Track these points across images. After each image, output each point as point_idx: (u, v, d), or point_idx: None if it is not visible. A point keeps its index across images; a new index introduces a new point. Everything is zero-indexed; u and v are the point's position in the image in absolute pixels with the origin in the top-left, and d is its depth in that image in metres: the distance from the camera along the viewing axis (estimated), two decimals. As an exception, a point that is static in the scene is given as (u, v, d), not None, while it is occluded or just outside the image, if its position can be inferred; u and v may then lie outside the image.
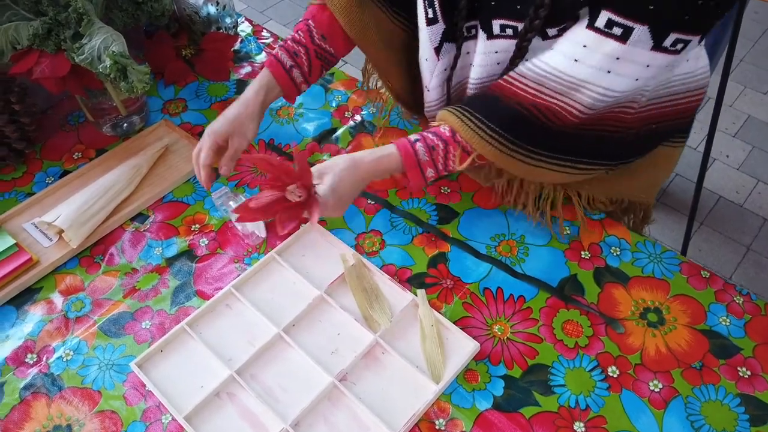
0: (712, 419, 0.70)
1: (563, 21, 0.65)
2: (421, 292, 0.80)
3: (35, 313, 0.81)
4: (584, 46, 0.63)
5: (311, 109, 1.07)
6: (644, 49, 0.61)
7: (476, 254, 0.86)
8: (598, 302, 0.81)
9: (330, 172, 0.75)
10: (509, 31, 0.71)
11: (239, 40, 1.20)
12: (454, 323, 0.78)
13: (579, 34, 0.64)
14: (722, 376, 0.73)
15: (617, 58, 0.62)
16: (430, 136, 0.77)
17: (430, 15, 0.75)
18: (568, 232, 0.88)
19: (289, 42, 0.86)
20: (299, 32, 0.86)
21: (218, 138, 0.83)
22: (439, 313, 0.79)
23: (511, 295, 0.81)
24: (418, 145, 0.76)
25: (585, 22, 0.63)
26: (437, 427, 0.70)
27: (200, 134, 1.02)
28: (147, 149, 0.97)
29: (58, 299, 0.82)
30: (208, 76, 1.12)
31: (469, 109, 0.74)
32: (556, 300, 0.81)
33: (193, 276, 0.85)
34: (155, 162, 0.97)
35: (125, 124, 1.02)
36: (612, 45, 0.62)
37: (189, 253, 0.87)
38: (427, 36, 0.77)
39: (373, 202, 0.93)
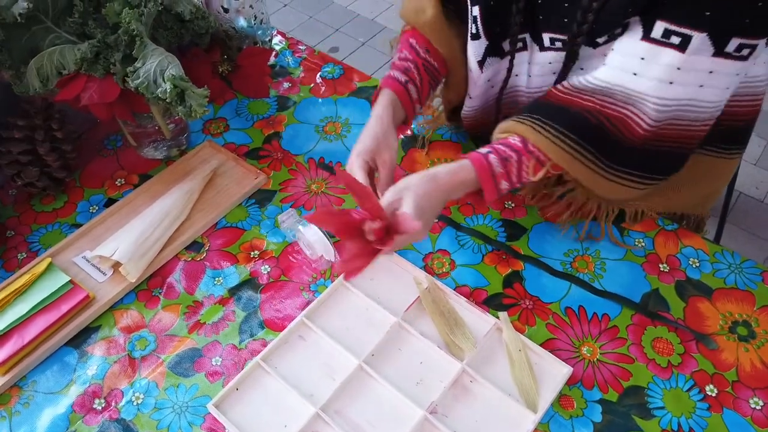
0: (820, 436, 0.68)
1: (611, 29, 0.64)
2: (503, 315, 0.77)
3: (97, 354, 0.77)
4: (642, 58, 0.62)
5: (358, 124, 1.03)
6: (705, 56, 0.59)
7: (552, 271, 0.83)
8: (685, 317, 0.78)
9: (410, 191, 0.69)
10: (558, 44, 0.72)
11: (274, 54, 1.16)
12: (540, 346, 0.75)
13: (633, 45, 0.62)
14: (823, 389, 0.71)
15: (678, 68, 0.60)
16: (501, 147, 0.74)
17: (473, 31, 0.76)
18: (643, 244, 0.86)
19: (397, 61, 0.84)
20: (404, 51, 0.84)
21: (367, 157, 0.75)
22: (524, 335, 0.76)
23: (594, 313, 0.79)
24: (491, 156, 0.73)
25: (638, 34, 0.61)
26: (539, 459, 0.67)
27: (247, 154, 0.98)
28: (195, 173, 0.93)
29: (120, 337, 0.78)
30: (248, 93, 1.08)
31: (539, 117, 0.72)
32: (642, 317, 0.78)
33: (259, 306, 0.81)
34: (203, 186, 0.93)
35: (167, 147, 0.97)
36: (671, 54, 0.60)
37: (252, 282, 0.83)
38: (472, 50, 0.79)
39: (437, 220, 0.89)
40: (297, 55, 1.16)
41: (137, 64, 0.77)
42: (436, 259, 0.85)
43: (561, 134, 0.70)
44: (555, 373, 0.73)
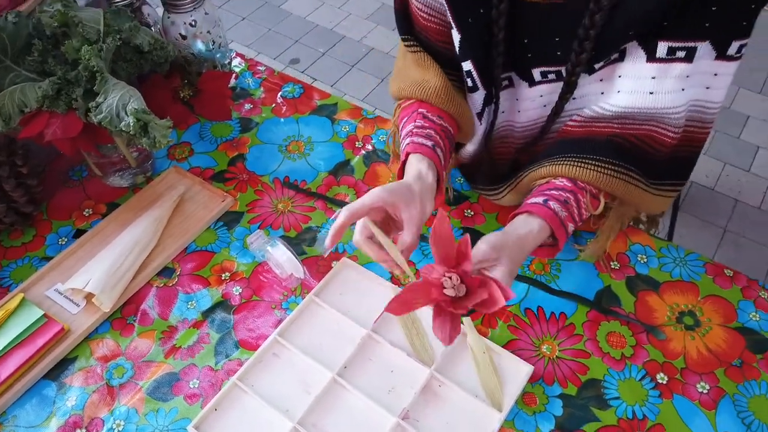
0: (760, 414, 0.74)
1: (609, 55, 0.66)
2: (467, 320, 0.81)
3: (76, 384, 0.78)
4: (653, 77, 0.65)
5: (320, 141, 1.07)
6: (709, 59, 0.63)
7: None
8: (636, 311, 0.83)
9: (506, 256, 0.64)
10: (551, 76, 0.73)
11: (234, 76, 1.18)
12: (503, 347, 0.80)
13: (641, 69, 0.65)
14: (761, 370, 0.77)
15: (687, 76, 0.64)
16: (555, 192, 0.71)
17: (470, 84, 0.75)
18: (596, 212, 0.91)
19: (415, 130, 0.75)
20: (418, 120, 0.76)
21: (390, 200, 0.65)
22: (487, 338, 0.80)
23: (552, 313, 0.83)
24: (552, 204, 0.70)
25: (642, 56, 0.64)
26: (506, 455, 0.72)
27: (212, 178, 1.01)
28: (163, 199, 0.95)
29: (97, 367, 0.80)
30: (210, 117, 1.10)
31: (574, 154, 0.71)
32: (596, 313, 0.83)
33: (232, 327, 0.83)
34: (171, 212, 0.95)
35: (133, 175, 0.99)
36: (680, 67, 0.63)
37: (224, 304, 0.86)
38: (470, 103, 0.79)
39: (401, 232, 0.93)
40: (257, 75, 1.19)
41: (99, 99, 0.79)
42: (402, 270, 0.89)
43: (603, 163, 0.70)
44: (517, 372, 0.77)
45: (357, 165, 1.03)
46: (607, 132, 0.71)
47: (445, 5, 0.70)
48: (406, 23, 0.78)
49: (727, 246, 1.85)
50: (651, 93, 0.66)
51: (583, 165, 0.71)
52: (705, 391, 0.76)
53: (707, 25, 0.60)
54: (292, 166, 1.03)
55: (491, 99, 0.78)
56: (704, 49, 0.62)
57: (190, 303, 0.86)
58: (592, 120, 0.72)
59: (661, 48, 0.63)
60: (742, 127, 2.18)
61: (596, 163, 0.71)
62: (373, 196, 0.65)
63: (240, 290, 0.87)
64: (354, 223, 0.67)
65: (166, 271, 0.90)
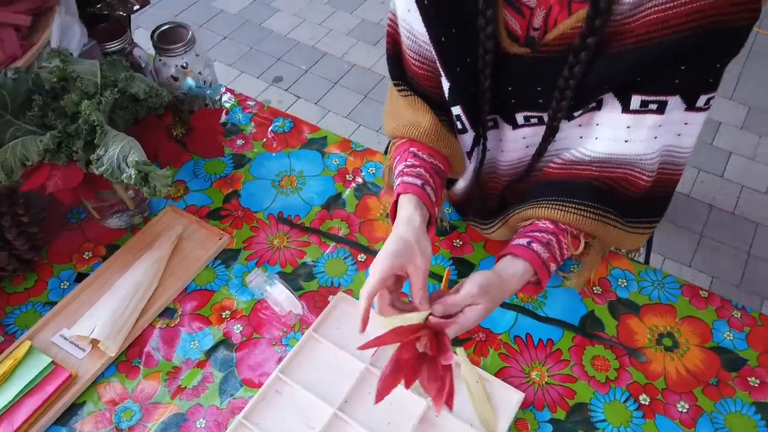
0: (736, 429, 0.79)
1: (587, 104, 0.71)
2: (460, 350, 0.85)
3: (86, 429, 0.81)
4: (627, 127, 0.70)
5: (312, 176, 1.10)
6: (680, 111, 0.68)
7: (501, 304, 0.92)
8: (618, 334, 0.88)
9: (489, 298, 0.69)
10: (534, 120, 0.77)
11: (225, 112, 1.21)
12: (494, 375, 0.84)
13: (617, 119, 0.70)
14: (736, 388, 0.83)
15: (659, 126, 0.69)
16: (537, 234, 0.76)
17: (459, 127, 0.80)
18: (576, 268, 0.96)
19: (405, 169, 0.78)
20: (409, 159, 0.79)
21: (396, 264, 0.68)
22: (479, 367, 0.85)
23: (540, 339, 0.88)
24: (535, 246, 0.74)
25: (617, 108, 0.69)
26: (502, 480, 0.76)
27: (208, 216, 1.04)
28: (161, 240, 0.98)
29: (105, 411, 0.82)
30: (203, 154, 1.13)
31: (555, 197, 0.75)
32: (581, 338, 0.88)
33: (235, 365, 0.87)
34: (170, 253, 0.98)
35: (130, 216, 1.02)
36: (652, 118, 0.68)
37: (226, 342, 0.89)
38: (461, 143, 0.83)
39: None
40: (247, 111, 1.22)
41: (100, 152, 0.82)
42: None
43: (584, 207, 0.74)
44: (509, 399, 0.82)
45: (348, 198, 1.06)
46: (586, 174, 0.76)
47: (435, 55, 0.74)
48: (399, 69, 0.83)
49: (703, 250, 1.92)
50: (626, 141, 0.71)
51: (564, 208, 0.76)
52: (685, 410, 0.81)
53: (677, 81, 0.65)
54: (286, 201, 1.06)
55: (479, 140, 0.83)
56: (675, 102, 0.67)
57: (192, 343, 0.89)
58: (572, 163, 0.77)
59: (635, 101, 0.67)
60: (714, 134, 2.25)
61: (577, 207, 0.76)
62: (381, 269, 0.68)
63: (241, 328, 0.90)
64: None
65: (167, 312, 0.92)
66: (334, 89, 2.49)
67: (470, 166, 0.87)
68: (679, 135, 0.71)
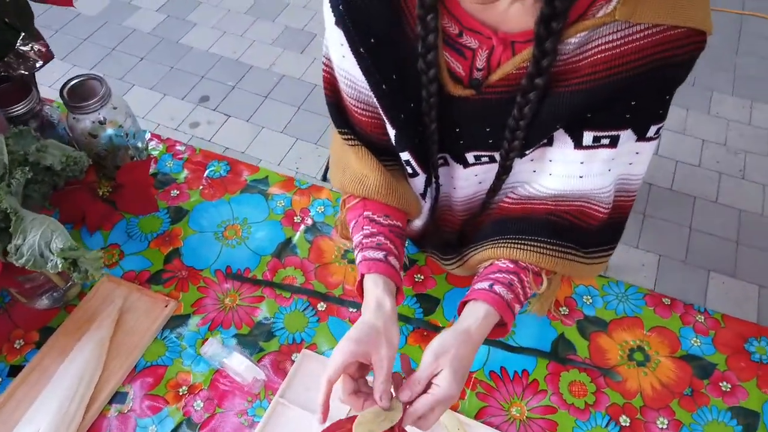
0: (716, 439, 0.80)
1: (539, 142, 0.68)
2: (437, 397, 0.83)
3: None
4: (581, 162, 0.68)
5: (257, 222, 1.04)
6: (631, 142, 0.66)
7: (470, 339, 0.89)
8: (590, 355, 0.87)
9: (449, 359, 0.65)
10: (485, 159, 0.74)
11: (154, 161, 1.13)
12: (475, 418, 0.81)
13: (570, 155, 0.68)
14: (710, 395, 0.83)
15: (612, 159, 0.67)
16: (499, 275, 0.74)
17: (410, 171, 0.77)
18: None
19: (364, 241, 0.76)
20: (365, 227, 0.77)
21: (360, 352, 0.65)
22: (458, 412, 0.82)
23: (515, 371, 0.86)
24: (497, 288, 0.72)
25: (569, 144, 0.67)
26: None
27: (150, 281, 0.96)
28: (101, 317, 0.90)
29: None
30: (136, 211, 1.05)
31: (513, 236, 0.74)
32: (555, 364, 0.87)
33: (202, 447, 0.81)
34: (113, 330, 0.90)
35: (62, 293, 0.93)
36: (605, 152, 0.66)
37: (188, 422, 0.82)
38: (413, 185, 0.80)
39: (355, 310, 0.93)
40: (177, 157, 1.14)
41: (17, 242, 0.74)
42: (363, 350, 0.89)
43: (542, 243, 0.73)
44: (493, 442, 0.80)
45: (299, 242, 1.01)
46: (542, 209, 0.74)
47: (377, 102, 0.70)
48: (341, 117, 0.78)
49: (648, 230, 1.96)
50: (581, 177, 0.69)
51: (524, 247, 0.73)
52: (664, 426, 0.81)
53: (627, 116, 0.64)
54: (232, 254, 1.00)
55: (431, 180, 0.80)
56: (627, 135, 0.65)
57: (151, 428, 0.82)
58: (528, 199, 0.75)
59: (587, 137, 0.65)
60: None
61: (536, 245, 0.74)
62: (343, 354, 0.64)
63: (201, 404, 0.84)
64: None
65: (118, 397, 0.85)
66: (265, 104, 2.41)
67: (425, 206, 0.83)
68: (630, 164, 0.70)
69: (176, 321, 0.92)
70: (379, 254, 0.74)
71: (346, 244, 1.00)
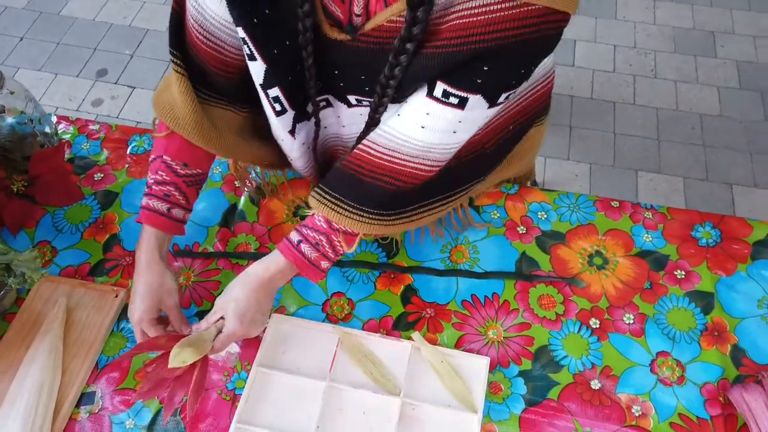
0: (678, 324, 0.84)
1: (410, 92, 0.67)
2: (416, 335, 0.83)
3: None
4: (427, 113, 0.66)
5: (196, 193, 0.98)
6: (481, 109, 0.65)
7: (437, 272, 0.89)
8: (553, 268, 0.90)
9: (230, 303, 0.76)
10: (366, 103, 0.74)
11: (67, 146, 1.03)
12: (455, 348, 0.83)
13: (420, 101, 0.66)
14: (667, 285, 0.88)
15: (459, 121, 0.66)
16: (310, 233, 0.77)
17: (278, 108, 0.73)
18: (498, 214, 0.95)
19: (153, 187, 0.80)
20: (159, 172, 0.80)
21: (152, 314, 0.77)
22: (439, 345, 0.83)
23: (485, 296, 0.87)
24: (303, 246, 0.77)
25: (424, 90, 0.65)
26: (494, 449, 0.76)
27: (92, 273, 0.90)
28: (47, 321, 0.83)
29: None
30: (58, 203, 0.96)
31: (338, 196, 0.74)
32: (522, 282, 0.88)
33: (185, 430, 0.77)
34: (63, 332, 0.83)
35: (-3, 302, 0.85)
36: (452, 112, 0.65)
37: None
38: (278, 124, 0.76)
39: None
40: (93, 137, 1.04)
41: (-65, 256, 0.65)
42: (334, 304, 0.87)
43: (360, 210, 0.74)
44: (477, 367, 0.81)
45: (246, 207, 0.96)
46: (377, 164, 0.72)
47: (241, 38, 0.66)
48: (177, 37, 0.73)
49: (575, 141, 2.02)
50: (423, 127, 0.68)
51: (338, 210, 0.74)
52: (631, 321, 0.85)
53: (479, 81, 0.62)
54: (177, 231, 0.94)
55: (303, 117, 0.77)
56: (476, 101, 0.64)
57: (128, 422, 0.78)
58: (371, 145, 0.72)
59: (438, 88, 0.64)
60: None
61: (351, 209, 0.74)
62: (139, 315, 0.77)
63: (177, 388, 0.80)
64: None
65: (85, 398, 0.80)
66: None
67: (296, 143, 0.80)
68: (478, 126, 0.70)
69: (131, 310, 0.87)
70: (163, 206, 0.79)
71: (295, 201, 0.97)
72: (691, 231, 0.92)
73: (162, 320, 0.79)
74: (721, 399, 0.78)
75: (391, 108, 0.71)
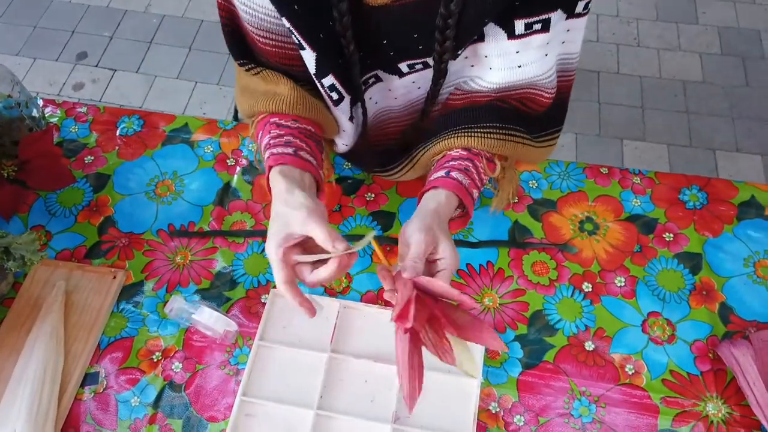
0: (668, 285, 0.87)
1: (468, 40, 0.67)
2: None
3: None
4: (517, 52, 0.67)
5: (188, 173, 0.98)
6: (562, 22, 0.66)
7: (432, 244, 0.90)
8: (545, 235, 0.91)
9: (437, 231, 0.65)
10: (419, 66, 0.72)
11: (56, 129, 1.02)
12: (452, 316, 0.84)
13: (505, 46, 0.66)
14: (656, 248, 0.90)
15: (547, 43, 0.67)
16: (454, 163, 0.73)
17: (335, 97, 0.72)
18: (489, 184, 0.96)
19: (271, 141, 0.71)
20: (272, 131, 0.72)
21: (289, 241, 0.62)
22: (436, 313, 0.84)
23: (480, 265, 0.89)
24: (454, 174, 0.72)
25: (502, 35, 0.65)
26: (493, 412, 0.78)
27: (88, 256, 0.90)
28: (46, 304, 0.83)
29: None
30: (49, 187, 0.96)
31: (463, 126, 0.73)
32: (516, 250, 0.90)
33: (191, 406, 0.79)
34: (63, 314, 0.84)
35: (-6, 288, 0.85)
36: (539, 38, 0.66)
37: (171, 385, 0.80)
38: (339, 113, 0.75)
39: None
40: (81, 120, 1.03)
41: (-67, 242, 0.65)
42: (331, 278, 0.88)
43: (491, 128, 0.73)
44: (474, 334, 0.83)
45: (239, 185, 0.97)
46: (487, 99, 0.74)
47: (287, 28, 0.65)
48: (241, 46, 0.73)
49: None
50: (519, 66, 0.69)
51: (474, 134, 0.73)
52: (622, 284, 0.87)
53: None
54: (170, 211, 0.94)
55: (356, 100, 0.76)
56: (557, 16, 0.65)
57: (133, 400, 0.79)
58: (471, 93, 0.74)
59: (519, 26, 0.64)
60: None
61: (487, 131, 0.74)
62: (277, 260, 0.61)
63: (180, 365, 0.82)
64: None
65: (89, 378, 0.81)
66: (152, 50, 2.22)
67: (350, 127, 0.80)
68: (563, 43, 0.70)
69: (130, 290, 0.87)
70: (288, 149, 0.69)
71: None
72: (679, 194, 0.94)
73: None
74: (710, 355, 0.81)
75: (452, 65, 0.70)
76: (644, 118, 1.98)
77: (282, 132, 0.72)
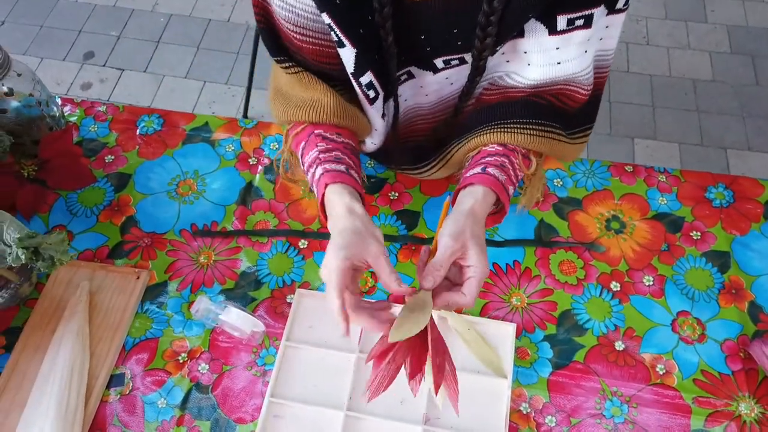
0: (697, 284, 0.86)
1: (509, 36, 0.66)
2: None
3: None
4: (557, 48, 0.66)
5: (210, 172, 0.97)
6: (603, 17, 0.65)
7: (458, 243, 0.90)
8: (572, 233, 0.91)
9: (468, 237, 0.63)
10: (455, 62, 0.71)
11: (75, 128, 1.01)
12: (479, 316, 0.84)
13: (545, 42, 0.65)
14: (684, 246, 0.89)
15: (588, 40, 0.66)
16: (490, 159, 0.72)
17: (372, 95, 0.71)
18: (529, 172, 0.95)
19: (321, 156, 0.71)
20: (319, 144, 0.72)
21: (355, 260, 0.62)
22: (463, 313, 0.84)
23: (507, 264, 0.88)
24: (490, 170, 0.71)
25: (542, 32, 0.64)
26: (524, 413, 0.78)
27: (111, 256, 0.89)
28: (70, 304, 0.83)
29: None
30: (70, 186, 0.95)
31: (498, 121, 0.73)
32: (542, 249, 0.89)
33: (218, 408, 0.78)
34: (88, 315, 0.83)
35: (16, 288, 0.84)
36: (580, 34, 0.65)
37: (198, 386, 0.79)
38: (374, 111, 0.75)
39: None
40: (100, 119, 1.03)
41: (-37, 242, 0.65)
42: (356, 277, 0.88)
43: (527, 124, 0.72)
44: (504, 333, 0.82)
45: (261, 184, 0.96)
46: (522, 95, 0.73)
47: (327, 24, 0.64)
48: (277, 43, 0.72)
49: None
50: (558, 63, 0.68)
51: (510, 130, 0.73)
52: (651, 283, 0.86)
53: None
54: (193, 210, 0.93)
55: (389, 97, 0.76)
56: (600, 12, 0.64)
57: (160, 402, 0.78)
58: (506, 89, 0.73)
59: (561, 21, 0.64)
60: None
61: (522, 127, 0.73)
62: (339, 260, 0.60)
63: (207, 366, 0.81)
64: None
65: (115, 380, 0.80)
66: (159, 49, 2.21)
67: (382, 125, 0.79)
68: (601, 39, 0.70)
69: (154, 291, 0.86)
70: (340, 167, 0.69)
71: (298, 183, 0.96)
72: (705, 192, 0.93)
73: (354, 290, 0.64)
74: (741, 354, 0.81)
75: (489, 62, 0.69)
76: (655, 117, 1.97)
77: (330, 146, 0.72)
